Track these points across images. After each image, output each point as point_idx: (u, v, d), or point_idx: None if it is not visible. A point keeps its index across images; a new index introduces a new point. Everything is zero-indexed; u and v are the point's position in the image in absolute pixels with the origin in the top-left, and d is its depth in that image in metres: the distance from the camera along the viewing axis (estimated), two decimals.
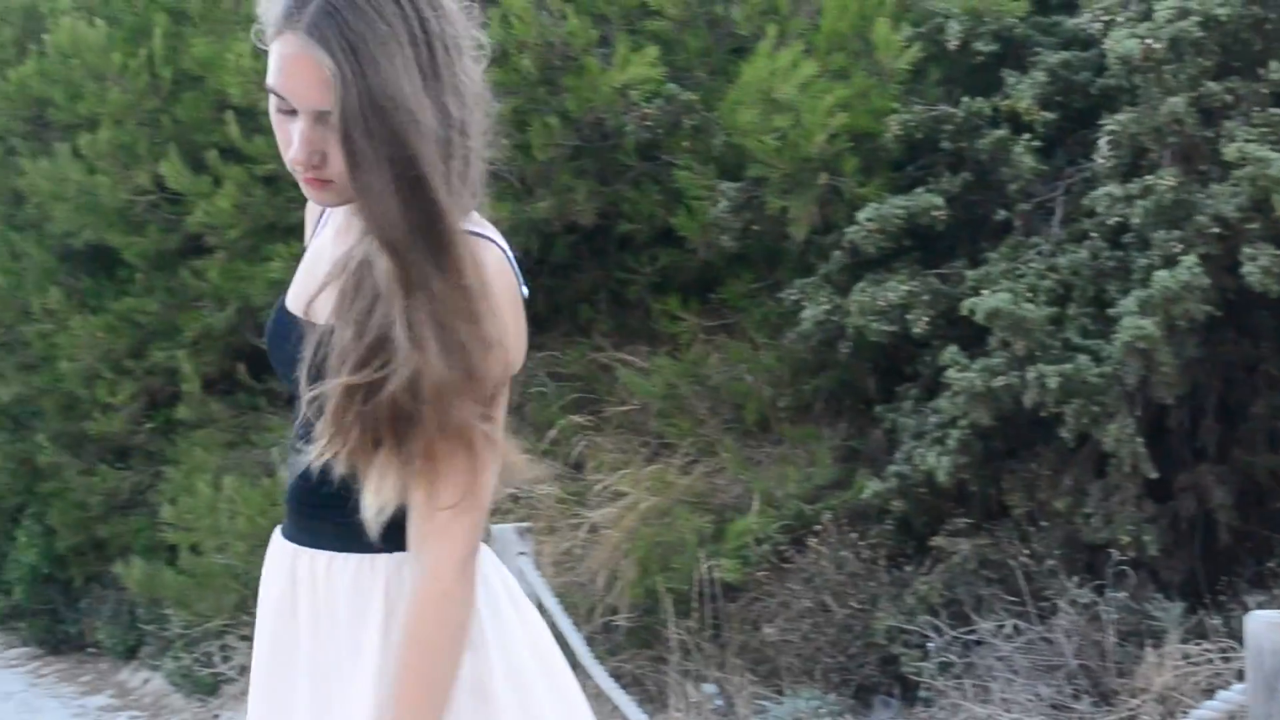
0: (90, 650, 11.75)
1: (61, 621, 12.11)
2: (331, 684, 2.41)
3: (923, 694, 6.56)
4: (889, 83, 7.35)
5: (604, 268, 8.61)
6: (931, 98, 7.40)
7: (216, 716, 9.00)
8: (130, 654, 10.99)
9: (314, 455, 2.29)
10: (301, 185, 2.32)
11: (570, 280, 8.57)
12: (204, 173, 8.99)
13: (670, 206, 7.89)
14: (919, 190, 7.11)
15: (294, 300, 2.48)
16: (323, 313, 2.33)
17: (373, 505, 2.28)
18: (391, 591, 2.38)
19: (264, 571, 2.57)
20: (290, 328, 2.43)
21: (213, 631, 9.02)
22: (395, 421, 2.24)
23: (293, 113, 2.24)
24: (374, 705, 2.32)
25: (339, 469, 2.29)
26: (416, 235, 2.19)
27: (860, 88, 7.35)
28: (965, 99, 7.18)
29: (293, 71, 2.21)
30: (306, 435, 2.32)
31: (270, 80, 2.24)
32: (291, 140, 2.25)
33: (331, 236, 2.48)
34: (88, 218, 9.79)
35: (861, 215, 7.05)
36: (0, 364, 11.18)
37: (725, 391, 7.85)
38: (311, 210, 2.63)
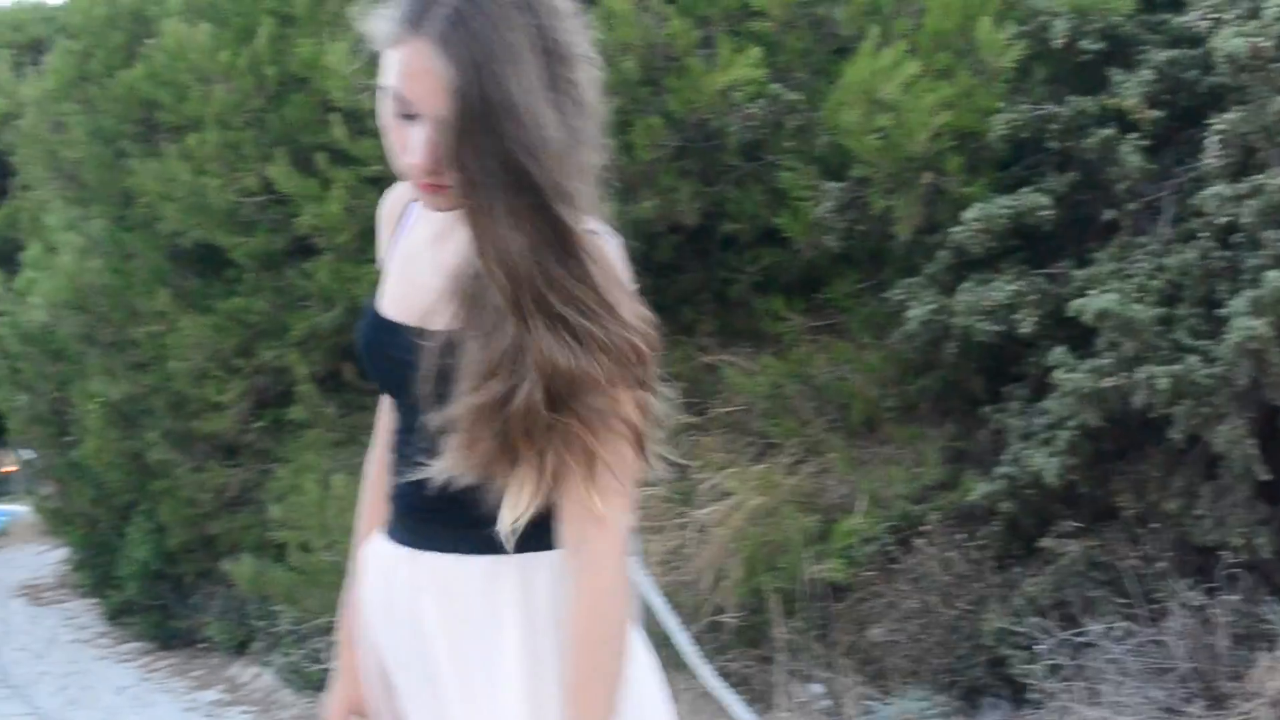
0: (201, 645, 11.90)
1: (173, 617, 12.28)
2: (475, 688, 2.40)
3: (1032, 696, 6.53)
4: (993, 82, 7.32)
5: (708, 268, 8.62)
6: (1037, 96, 7.36)
7: None
8: (240, 649, 11.12)
9: (446, 467, 2.29)
10: (415, 189, 2.32)
11: (674, 280, 8.58)
12: (312, 174, 9.06)
13: (774, 206, 7.89)
14: (1025, 190, 7.07)
15: (395, 307, 2.47)
16: (439, 320, 2.32)
17: (509, 516, 2.30)
18: (523, 593, 2.39)
19: (370, 578, 2.56)
20: (392, 335, 2.42)
21: (321, 628, 9.10)
22: (530, 430, 2.25)
23: (411, 117, 2.23)
24: (529, 710, 2.35)
25: (468, 479, 2.30)
26: (538, 251, 2.20)
27: (964, 87, 7.32)
28: (1071, 98, 7.13)
29: (418, 77, 2.19)
30: (430, 445, 2.33)
31: (390, 83, 2.24)
32: (409, 145, 2.24)
33: (429, 240, 2.46)
34: (196, 218, 9.88)
35: (967, 215, 7.02)
36: (111, 363, 11.32)
37: (830, 391, 7.84)
38: (389, 213, 2.62)
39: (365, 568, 2.58)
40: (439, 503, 2.38)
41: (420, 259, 2.46)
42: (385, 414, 2.66)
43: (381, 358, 2.47)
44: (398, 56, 2.22)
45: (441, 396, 2.28)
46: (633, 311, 2.27)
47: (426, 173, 2.25)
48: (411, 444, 2.41)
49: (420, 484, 2.37)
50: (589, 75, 2.26)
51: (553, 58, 2.20)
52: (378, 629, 2.53)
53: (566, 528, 2.33)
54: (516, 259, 2.19)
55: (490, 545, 2.37)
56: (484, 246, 2.21)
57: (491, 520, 2.34)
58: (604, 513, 2.30)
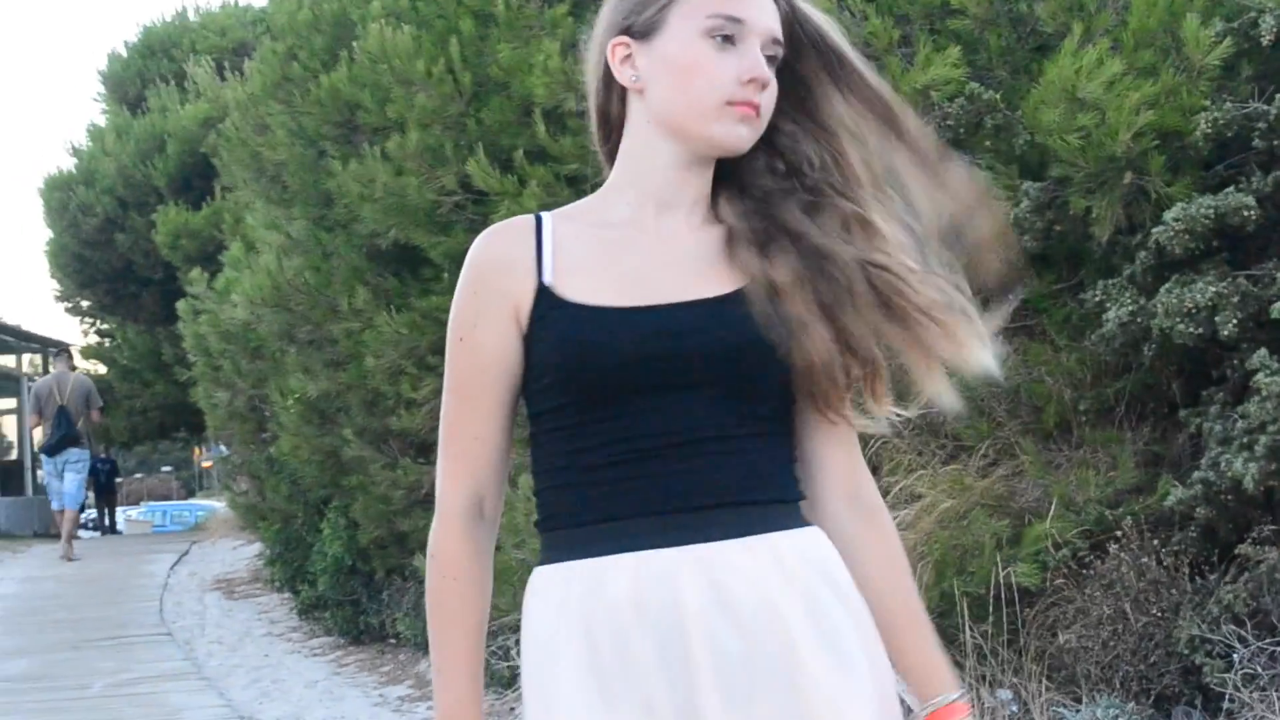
0: (391, 641, 12.04)
1: (363, 612, 12.44)
2: (838, 662, 2.41)
3: (1226, 706, 6.40)
4: (1198, 80, 7.18)
5: None
6: (1243, 94, 7.20)
7: (513, 709, 9.12)
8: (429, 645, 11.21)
9: (846, 423, 2.49)
10: (730, 119, 2.45)
11: None
12: (510, 173, 9.12)
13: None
14: (1229, 190, 6.92)
15: (655, 294, 2.45)
16: (735, 280, 2.46)
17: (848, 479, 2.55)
18: (837, 556, 2.47)
19: (683, 586, 2.37)
20: (686, 313, 2.43)
21: (509, 625, 9.11)
22: (875, 379, 2.55)
23: (730, 41, 2.44)
24: (881, 664, 2.50)
25: (812, 442, 2.50)
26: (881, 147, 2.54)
27: (1168, 85, 7.19)
28: (1279, 96, 6.98)
29: (756, 2, 2.48)
30: (775, 413, 2.45)
31: (718, 8, 2.44)
32: (734, 67, 2.43)
33: (626, 239, 2.52)
34: (395, 218, 10.01)
35: (1169, 215, 6.89)
36: (309, 360, 11.52)
37: (1024, 393, 7.73)
38: (517, 253, 2.57)
39: (647, 589, 2.39)
40: (762, 481, 2.42)
41: (631, 251, 2.50)
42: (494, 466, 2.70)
43: (684, 340, 2.41)
44: None
45: (785, 350, 2.41)
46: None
47: (762, 86, 2.45)
48: (714, 433, 2.41)
49: (727, 473, 2.40)
50: None
51: None
52: (698, 644, 2.35)
53: (847, 477, 2.52)
54: (871, 144, 2.52)
55: (800, 518, 2.48)
56: (840, 135, 2.53)
57: (795, 490, 2.49)
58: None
